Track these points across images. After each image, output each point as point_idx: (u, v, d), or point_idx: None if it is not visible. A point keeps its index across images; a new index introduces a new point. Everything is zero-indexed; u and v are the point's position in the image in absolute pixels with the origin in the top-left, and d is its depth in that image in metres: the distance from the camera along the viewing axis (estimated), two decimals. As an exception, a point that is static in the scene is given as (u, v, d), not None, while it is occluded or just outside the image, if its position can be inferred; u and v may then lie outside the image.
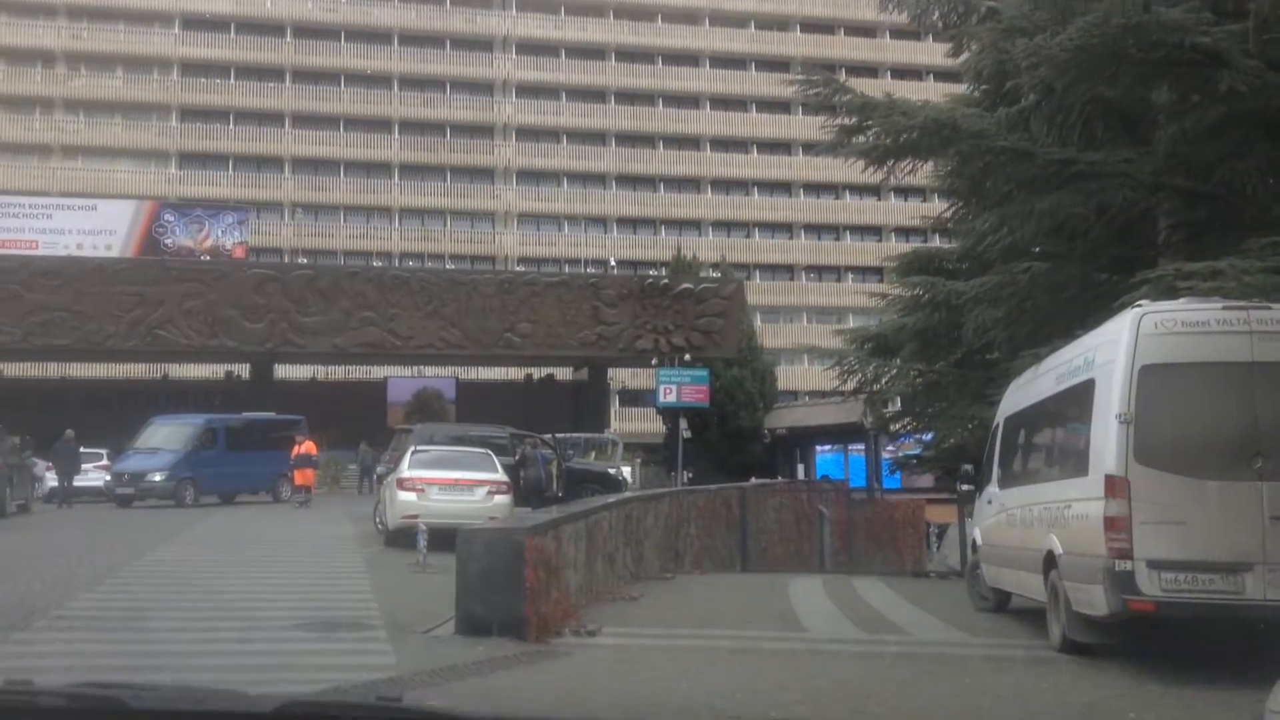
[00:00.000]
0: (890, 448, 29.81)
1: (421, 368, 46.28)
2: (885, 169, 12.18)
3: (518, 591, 7.93)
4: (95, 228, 38.90)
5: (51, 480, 28.72)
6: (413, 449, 15.00)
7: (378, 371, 46.27)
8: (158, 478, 24.07)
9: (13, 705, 1.67)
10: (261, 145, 54.46)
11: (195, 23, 54.44)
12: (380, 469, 16.65)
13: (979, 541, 10.78)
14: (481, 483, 14.34)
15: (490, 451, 15.82)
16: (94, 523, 19.35)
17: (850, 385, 18.61)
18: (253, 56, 54.66)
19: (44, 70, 52.69)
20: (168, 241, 39.74)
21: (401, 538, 14.29)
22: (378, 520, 16.75)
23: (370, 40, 56.08)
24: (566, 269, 50.83)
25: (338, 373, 46.86)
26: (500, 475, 14.82)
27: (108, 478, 25.12)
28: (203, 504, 24.47)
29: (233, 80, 54.60)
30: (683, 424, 30.50)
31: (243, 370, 41.36)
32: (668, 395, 31.52)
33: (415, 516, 13.83)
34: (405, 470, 14.39)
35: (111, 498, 24.79)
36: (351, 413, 42.08)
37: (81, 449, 27.31)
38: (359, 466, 29.88)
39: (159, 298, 33.37)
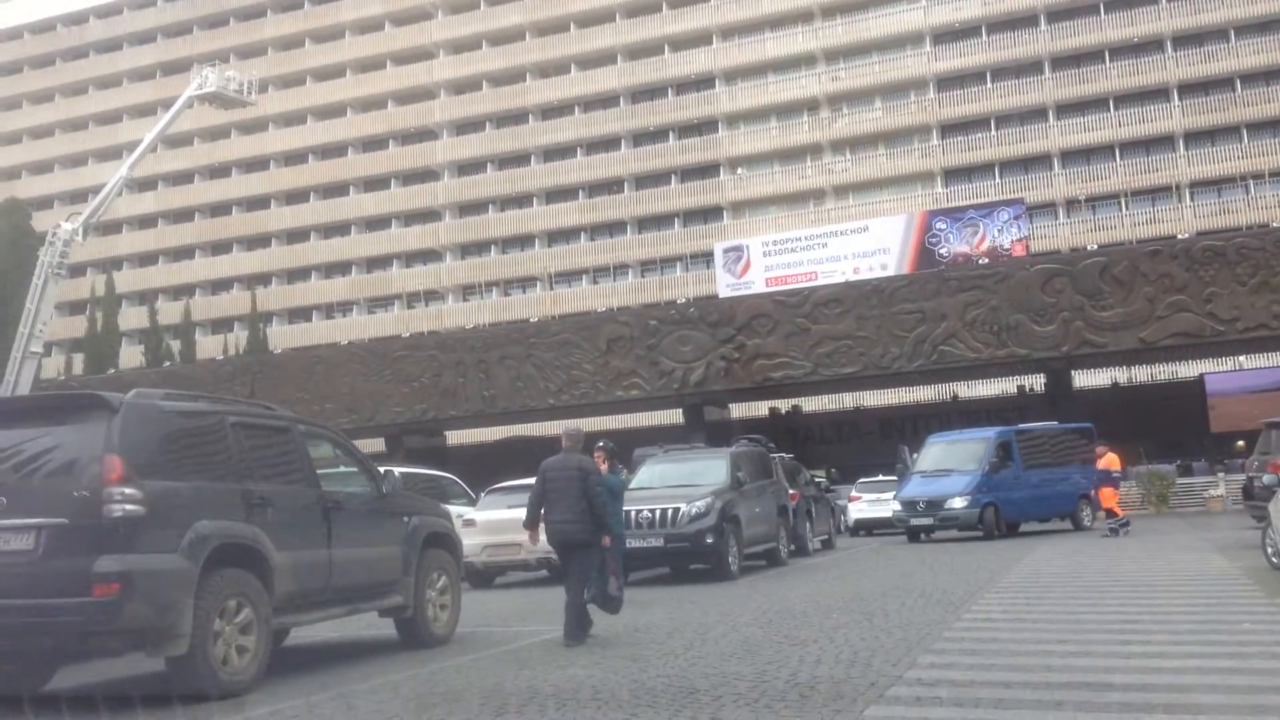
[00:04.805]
0: None
1: (1241, 358, 38.91)
2: None
3: None
4: (869, 249, 38.36)
5: (858, 512, 27.76)
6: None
7: (1186, 369, 39.93)
8: (958, 504, 21.00)
9: None
10: (1026, 145, 51.01)
11: (945, 35, 53.00)
12: (1269, 478, 11.94)
13: None
14: None
15: None
16: (891, 562, 16.89)
17: None
18: (1008, 54, 51.61)
19: (810, 118, 54.83)
20: (942, 251, 37.85)
21: (1335, 580, 9.47)
22: (1270, 551, 11.88)
23: (1134, 4, 49.92)
24: None
25: (1140, 375, 41.37)
26: None
27: (897, 507, 22.66)
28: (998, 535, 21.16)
29: (989, 84, 52.00)
30: None
31: (1035, 382, 37.88)
32: None
33: (1359, 547, 8.98)
34: (1325, 478, 9.54)
35: (903, 529, 22.41)
36: (1163, 419, 36.49)
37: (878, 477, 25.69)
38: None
39: (940, 311, 31.22)
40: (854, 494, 28.49)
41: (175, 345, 53.69)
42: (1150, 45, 50.05)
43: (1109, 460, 20.51)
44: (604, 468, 10.91)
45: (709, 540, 14.06)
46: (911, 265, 37.35)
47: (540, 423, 39.44)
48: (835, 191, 53.80)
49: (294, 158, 62.95)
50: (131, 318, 58.19)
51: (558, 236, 58.03)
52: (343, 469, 9.31)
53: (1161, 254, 30.23)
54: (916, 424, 37.62)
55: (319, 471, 8.68)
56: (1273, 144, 47.66)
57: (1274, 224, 38.73)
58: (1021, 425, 25.21)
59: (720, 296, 39.29)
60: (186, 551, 6.92)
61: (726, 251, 41.89)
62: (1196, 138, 49.18)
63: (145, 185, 61.48)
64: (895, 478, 25.04)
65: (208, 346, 56.18)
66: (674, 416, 38.02)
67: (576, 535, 9.16)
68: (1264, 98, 48.12)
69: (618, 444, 11.83)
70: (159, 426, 7.27)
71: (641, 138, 57.35)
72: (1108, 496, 20.30)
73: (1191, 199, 48.60)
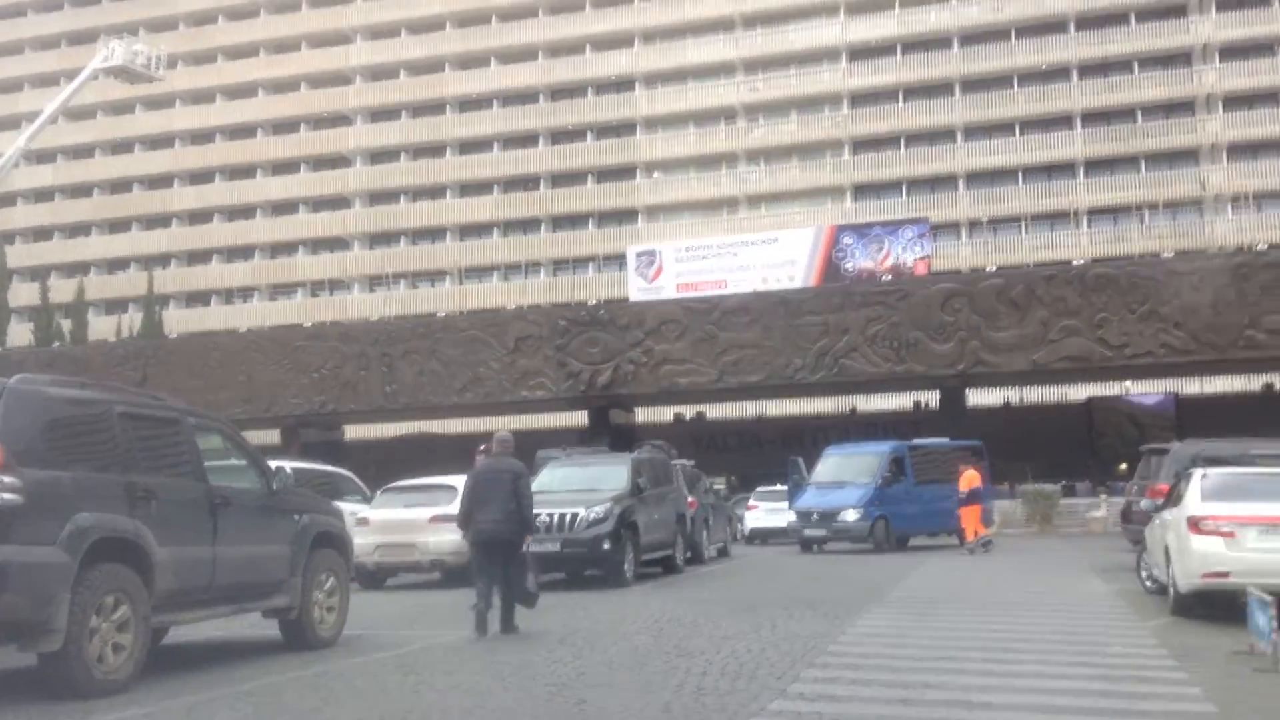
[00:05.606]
0: None
1: (1127, 384, 40.38)
2: None
3: None
4: (778, 260, 38.80)
5: (754, 521, 28.00)
6: (1200, 474, 10.46)
7: (1075, 393, 41.23)
8: (851, 517, 21.41)
9: None
10: (934, 165, 52.10)
11: (861, 51, 53.86)
12: (1146, 504, 12.25)
13: None
14: (1325, 523, 9.42)
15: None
16: (783, 572, 17.14)
17: None
18: (920, 74, 52.64)
19: (726, 126, 55.27)
20: (848, 265, 38.48)
21: (1201, 605, 9.88)
22: (1144, 575, 12.34)
23: (1043, 32, 51.33)
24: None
25: (1031, 395, 42.56)
26: (1354, 511, 9.74)
27: (792, 518, 22.98)
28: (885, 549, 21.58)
29: (901, 103, 52.99)
30: None
31: (931, 399, 38.71)
32: None
33: (1224, 575, 9.40)
34: (1196, 504, 9.90)
35: (796, 539, 22.71)
36: (1050, 440, 37.53)
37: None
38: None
39: (843, 325, 31.74)
40: (751, 503, 28.76)
41: (66, 325, 51.90)
42: (1057, 73, 51.51)
43: (969, 478, 21.08)
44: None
45: (606, 546, 14.10)
46: (818, 278, 37.91)
47: (442, 420, 39.09)
48: (748, 201, 54.32)
49: (200, 136, 61.40)
50: (22, 294, 56.11)
51: (470, 230, 57.58)
52: (233, 463, 9.14)
53: (1057, 279, 31.15)
54: (816, 435, 38.09)
55: (208, 465, 8.50)
56: (1168, 175, 49.40)
57: (1165, 254, 40.17)
58: (914, 441, 25.74)
59: (631, 300, 39.39)
60: (65, 544, 6.73)
61: (639, 255, 42.01)
62: (1096, 166, 50.74)
63: (43, 158, 59.42)
64: (789, 488, 25.40)
65: (100, 327, 54.46)
66: (579, 419, 38.00)
67: (505, 534, 9.67)
68: (1163, 130, 49.86)
69: (520, 445, 11.78)
70: (43, 413, 7.08)
71: (559, 136, 57.23)
72: (970, 515, 20.86)
73: (1089, 225, 50.14)
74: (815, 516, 21.88)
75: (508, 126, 57.38)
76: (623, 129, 56.45)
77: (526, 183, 57.13)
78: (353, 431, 40.57)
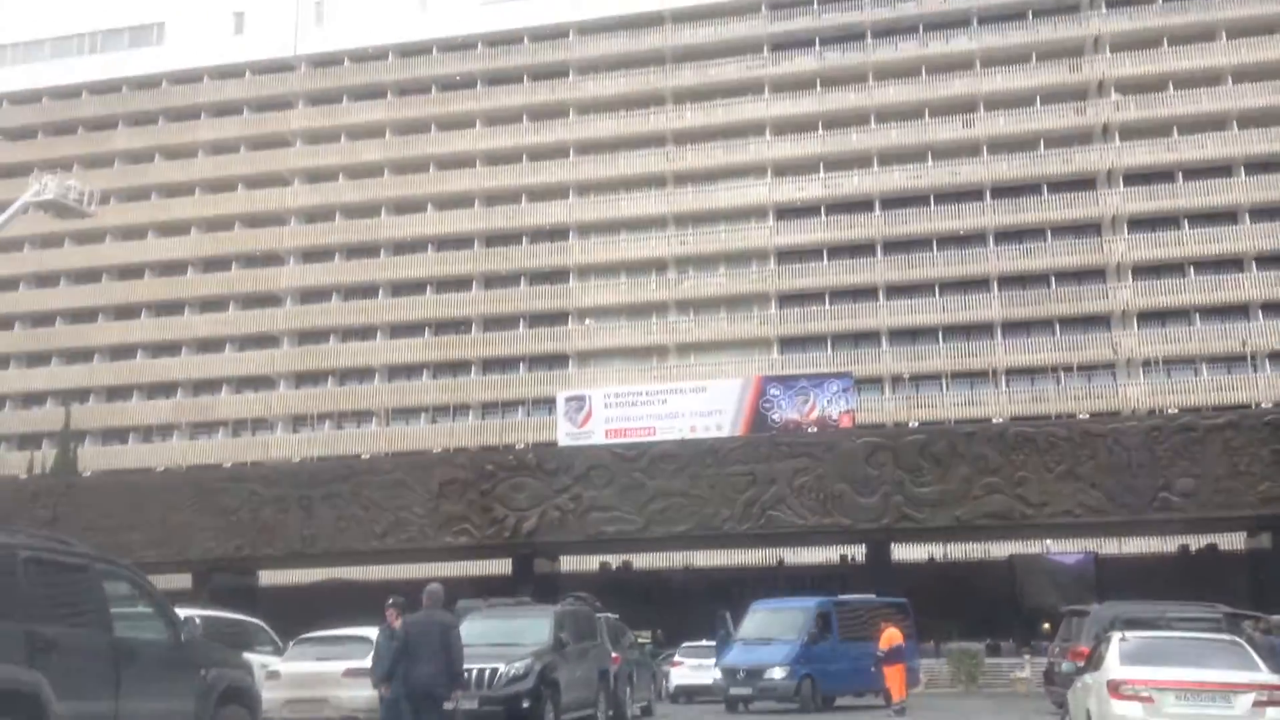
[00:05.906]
0: None
1: (1048, 542, 40.90)
2: None
3: None
4: (706, 409, 39.11)
5: (679, 678, 27.39)
6: (1119, 637, 10.55)
7: (998, 550, 41.65)
8: (778, 675, 21.05)
9: None
10: (857, 321, 53.37)
11: (787, 211, 55.61)
12: (1067, 666, 12.33)
13: None
14: (1242, 687, 9.49)
15: (1239, 639, 10.89)
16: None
17: None
18: (844, 235, 54.38)
19: (657, 277, 56.32)
20: (774, 416, 38.90)
21: (1124, 771, 9.83)
22: (1067, 738, 12.29)
23: (961, 199, 53.56)
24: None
25: (955, 552, 42.88)
26: (1270, 675, 9.83)
27: (718, 674, 22.55)
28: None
29: (825, 261, 54.53)
30: None
31: (857, 553, 38.81)
32: None
33: (1146, 740, 9.40)
34: (1116, 668, 9.95)
35: (722, 698, 22.25)
36: (975, 597, 37.71)
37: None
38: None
39: (770, 475, 31.92)
40: (676, 659, 28.18)
41: (-25, 459, 50.28)
42: (974, 238, 53.51)
43: (890, 635, 21.03)
44: (396, 624, 10.78)
45: (525, 705, 13.72)
46: (745, 428, 38.22)
47: (362, 566, 38.14)
48: (678, 349, 54.96)
49: (129, 271, 60.92)
50: (-70, 426, 54.42)
51: (399, 372, 57.34)
52: (140, 611, 8.84)
53: (977, 436, 31.78)
54: (743, 588, 37.77)
55: (114, 613, 8.21)
56: (1082, 339, 51.09)
57: (1080, 415, 41.25)
58: (841, 597, 25.66)
59: (560, 445, 39.27)
60: (-43, 699, 6.42)
61: (569, 400, 42.10)
62: (1013, 327, 52.30)
63: (-36, 288, 58.49)
64: (716, 643, 25.05)
65: (12, 462, 52.68)
66: (503, 566, 37.33)
67: (436, 688, 9.91)
68: (1075, 295, 51.76)
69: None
70: (-58, 559, 6.81)
71: (493, 280, 57.73)
72: (893, 674, 20.73)
73: (1007, 385, 51.39)
74: (741, 674, 21.52)
75: (441, 270, 57.83)
76: (555, 276, 57.21)
77: (458, 325, 57.34)
78: (268, 577, 39.33)
